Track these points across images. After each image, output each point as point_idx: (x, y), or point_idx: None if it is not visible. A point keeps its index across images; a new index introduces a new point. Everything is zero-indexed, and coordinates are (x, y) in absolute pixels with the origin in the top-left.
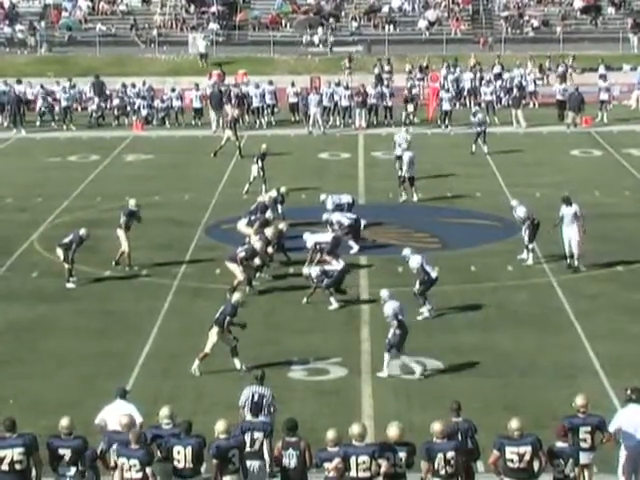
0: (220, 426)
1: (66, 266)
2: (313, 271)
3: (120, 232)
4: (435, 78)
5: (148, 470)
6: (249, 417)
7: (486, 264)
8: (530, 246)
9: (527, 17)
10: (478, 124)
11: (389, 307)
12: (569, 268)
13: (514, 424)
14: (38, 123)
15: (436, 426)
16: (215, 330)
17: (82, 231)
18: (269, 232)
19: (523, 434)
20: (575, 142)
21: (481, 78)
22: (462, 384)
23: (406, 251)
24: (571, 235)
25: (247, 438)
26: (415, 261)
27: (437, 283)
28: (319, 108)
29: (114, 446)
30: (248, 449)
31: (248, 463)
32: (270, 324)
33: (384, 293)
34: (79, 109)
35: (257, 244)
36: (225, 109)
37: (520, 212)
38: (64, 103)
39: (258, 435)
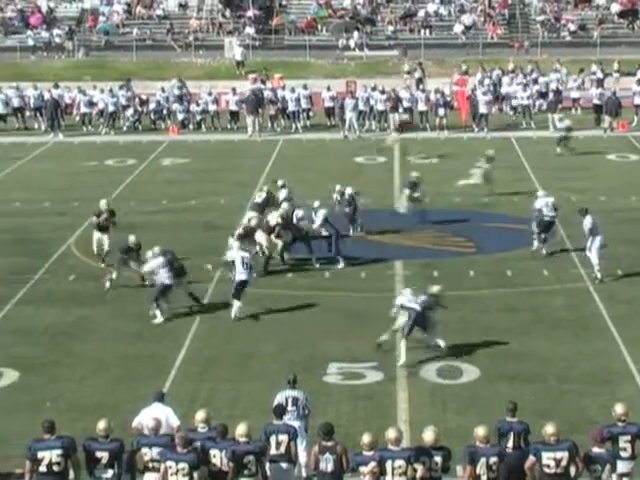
0: (240, 429)
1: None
2: None
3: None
4: (462, 82)
5: (195, 474)
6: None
7: (522, 268)
8: (541, 236)
9: (564, 21)
10: (565, 129)
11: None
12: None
13: (550, 429)
14: (84, 129)
15: (480, 430)
16: None
17: (130, 238)
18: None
19: (559, 439)
20: (612, 146)
21: (535, 81)
22: (498, 389)
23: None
24: (589, 246)
25: (272, 441)
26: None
27: (473, 287)
28: (355, 112)
29: (147, 449)
30: (274, 451)
31: (274, 465)
32: (306, 328)
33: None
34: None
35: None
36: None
37: (537, 204)
38: (111, 108)
39: (282, 438)
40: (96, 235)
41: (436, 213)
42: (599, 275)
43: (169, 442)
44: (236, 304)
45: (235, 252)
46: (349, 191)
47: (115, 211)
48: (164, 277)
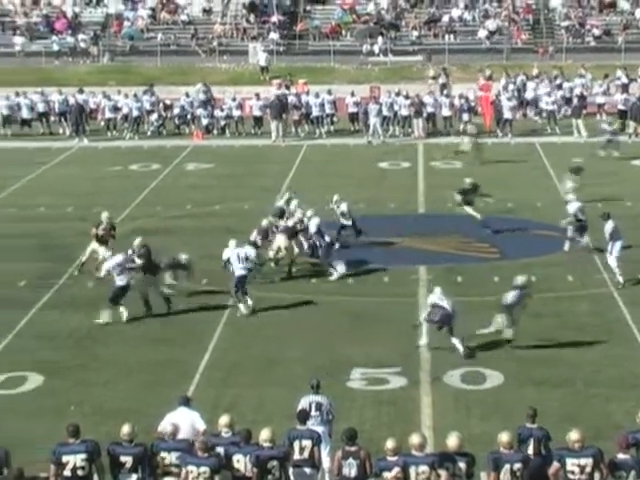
0: (264, 434)
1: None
2: None
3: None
4: (486, 88)
5: (216, 478)
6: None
7: (546, 274)
8: (573, 237)
9: (588, 26)
10: (611, 132)
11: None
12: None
13: (574, 435)
14: (109, 134)
15: (504, 436)
16: None
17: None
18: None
19: (584, 445)
20: (636, 152)
21: (559, 86)
22: (522, 395)
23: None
24: (610, 250)
25: (296, 446)
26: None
27: (497, 293)
28: (379, 118)
29: (165, 453)
30: (298, 457)
31: (298, 470)
32: (329, 333)
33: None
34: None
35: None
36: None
37: (570, 208)
38: (135, 113)
39: (306, 443)
40: (93, 245)
41: (461, 218)
42: (621, 279)
43: (188, 446)
44: (242, 303)
45: (231, 250)
46: (344, 208)
47: (116, 226)
48: (119, 279)
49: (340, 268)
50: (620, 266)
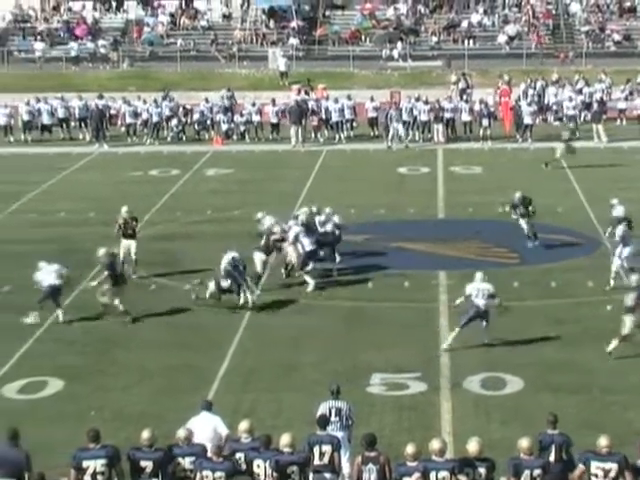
0: (284, 440)
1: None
2: None
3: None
4: (505, 93)
5: None
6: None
7: (566, 280)
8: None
9: (608, 31)
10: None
11: (468, 288)
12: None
13: (603, 441)
14: (129, 140)
15: (524, 442)
16: None
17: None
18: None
19: (611, 452)
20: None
21: (580, 91)
22: (542, 400)
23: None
24: (618, 253)
25: (316, 451)
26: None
27: (517, 298)
28: (400, 123)
29: (180, 459)
30: (317, 462)
31: (318, 476)
32: (349, 338)
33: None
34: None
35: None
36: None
37: (617, 212)
38: (155, 118)
39: (326, 448)
40: (123, 242)
41: (481, 223)
42: (612, 283)
43: (202, 451)
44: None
45: (225, 258)
46: (329, 228)
47: (137, 218)
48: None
49: (311, 283)
50: (619, 271)
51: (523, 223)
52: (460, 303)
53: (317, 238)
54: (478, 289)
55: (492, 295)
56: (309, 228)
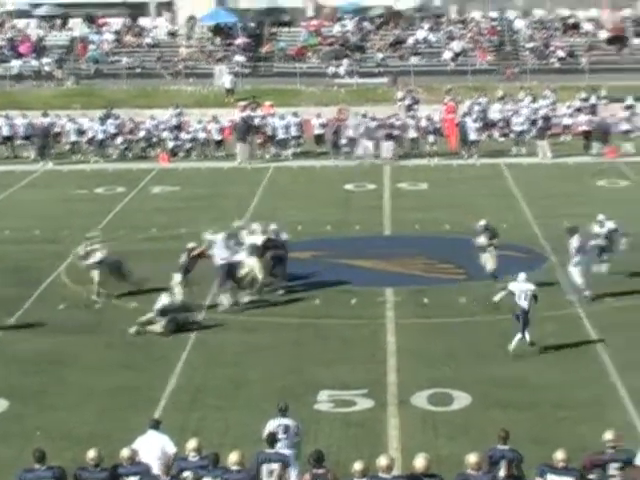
0: (232, 458)
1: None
2: None
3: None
4: (450, 109)
5: None
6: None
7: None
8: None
9: (552, 48)
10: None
11: (511, 285)
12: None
13: (560, 455)
14: (74, 157)
15: (471, 458)
16: None
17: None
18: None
19: (567, 467)
20: (601, 172)
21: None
22: (491, 416)
23: None
24: (574, 262)
25: (264, 469)
26: None
27: (465, 314)
28: (364, 139)
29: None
30: None
31: None
32: (296, 355)
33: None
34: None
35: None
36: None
37: (610, 225)
38: (100, 136)
39: (275, 466)
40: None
41: (426, 240)
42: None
43: (146, 471)
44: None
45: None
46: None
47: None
48: None
49: (225, 301)
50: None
51: (484, 258)
52: (500, 299)
53: (275, 254)
54: (521, 290)
55: (535, 296)
56: (236, 241)
